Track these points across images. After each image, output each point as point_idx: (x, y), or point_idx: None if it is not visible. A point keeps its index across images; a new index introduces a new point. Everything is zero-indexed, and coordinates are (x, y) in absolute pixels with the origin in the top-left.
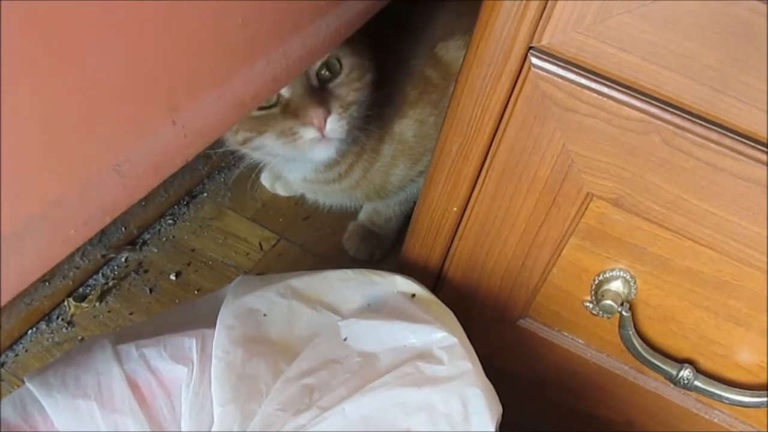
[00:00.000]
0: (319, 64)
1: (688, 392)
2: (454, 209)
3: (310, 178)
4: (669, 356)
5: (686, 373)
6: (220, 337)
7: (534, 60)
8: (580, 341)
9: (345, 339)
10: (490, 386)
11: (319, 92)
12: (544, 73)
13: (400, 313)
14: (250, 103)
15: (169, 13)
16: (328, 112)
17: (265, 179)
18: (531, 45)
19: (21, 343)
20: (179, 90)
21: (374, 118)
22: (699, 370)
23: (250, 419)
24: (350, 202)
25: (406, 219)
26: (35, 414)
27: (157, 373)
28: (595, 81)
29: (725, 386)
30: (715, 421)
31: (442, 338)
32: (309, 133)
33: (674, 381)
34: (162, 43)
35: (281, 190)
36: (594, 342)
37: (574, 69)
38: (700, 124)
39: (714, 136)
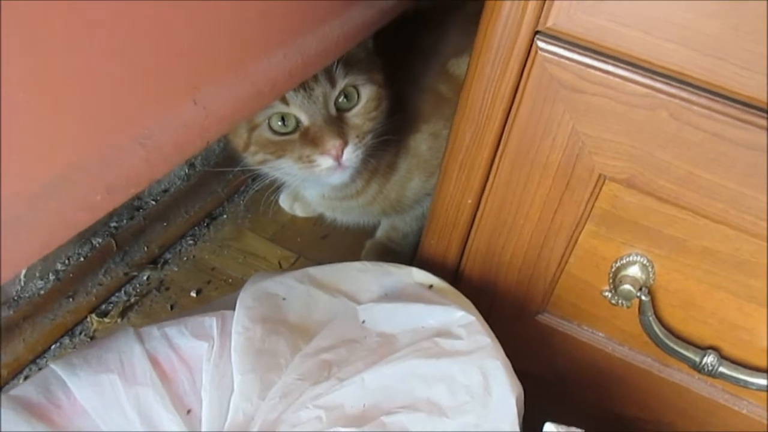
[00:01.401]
0: (337, 93)
1: (714, 382)
2: (469, 201)
3: (327, 195)
4: (692, 344)
5: (710, 359)
6: (239, 315)
7: (540, 44)
8: (600, 334)
9: (363, 322)
10: (510, 364)
11: (337, 121)
12: (551, 56)
13: (417, 299)
14: (268, 94)
15: (189, 5)
16: (345, 143)
17: (283, 201)
18: (537, 29)
19: (45, 357)
20: (199, 73)
21: (388, 140)
22: (723, 357)
23: (269, 388)
24: (368, 219)
25: None
26: (59, 392)
27: (178, 349)
28: (599, 60)
29: (751, 371)
30: (744, 412)
31: (460, 317)
32: (326, 162)
33: (698, 368)
34: (182, 30)
35: (299, 211)
36: (615, 335)
37: (579, 49)
38: (705, 96)
39: (718, 106)
